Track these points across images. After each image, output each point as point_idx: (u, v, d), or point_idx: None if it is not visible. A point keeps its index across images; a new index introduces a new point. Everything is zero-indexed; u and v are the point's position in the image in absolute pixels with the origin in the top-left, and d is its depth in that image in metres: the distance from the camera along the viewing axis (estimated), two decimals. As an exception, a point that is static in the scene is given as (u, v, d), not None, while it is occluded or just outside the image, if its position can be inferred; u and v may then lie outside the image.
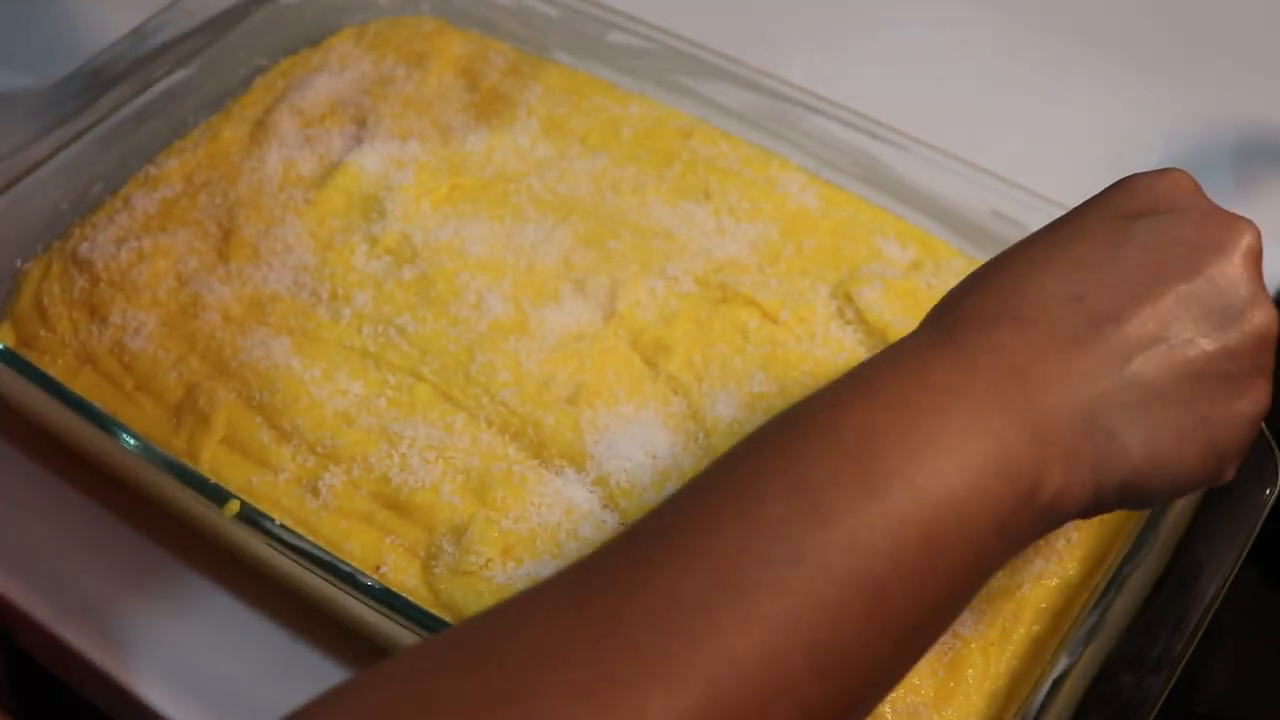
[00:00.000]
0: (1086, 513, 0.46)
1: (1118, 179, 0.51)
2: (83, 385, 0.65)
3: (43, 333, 0.68)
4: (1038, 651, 0.56)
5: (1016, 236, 0.68)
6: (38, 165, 0.70)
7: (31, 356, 0.66)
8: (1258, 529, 0.58)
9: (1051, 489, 0.44)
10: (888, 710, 0.54)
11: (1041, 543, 0.59)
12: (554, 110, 0.77)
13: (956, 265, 0.70)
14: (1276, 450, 0.60)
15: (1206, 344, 0.46)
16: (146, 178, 0.74)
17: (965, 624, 0.56)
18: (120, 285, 0.68)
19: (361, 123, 0.76)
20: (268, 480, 0.62)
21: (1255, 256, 0.48)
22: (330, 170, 0.74)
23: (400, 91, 0.78)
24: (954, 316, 0.47)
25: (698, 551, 0.39)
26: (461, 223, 0.71)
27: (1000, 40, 0.91)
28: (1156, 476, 0.46)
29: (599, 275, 0.69)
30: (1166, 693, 0.53)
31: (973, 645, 0.56)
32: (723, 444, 0.62)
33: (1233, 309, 0.47)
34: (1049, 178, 0.73)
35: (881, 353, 0.47)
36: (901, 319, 0.66)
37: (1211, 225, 0.48)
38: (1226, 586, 0.56)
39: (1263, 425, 0.60)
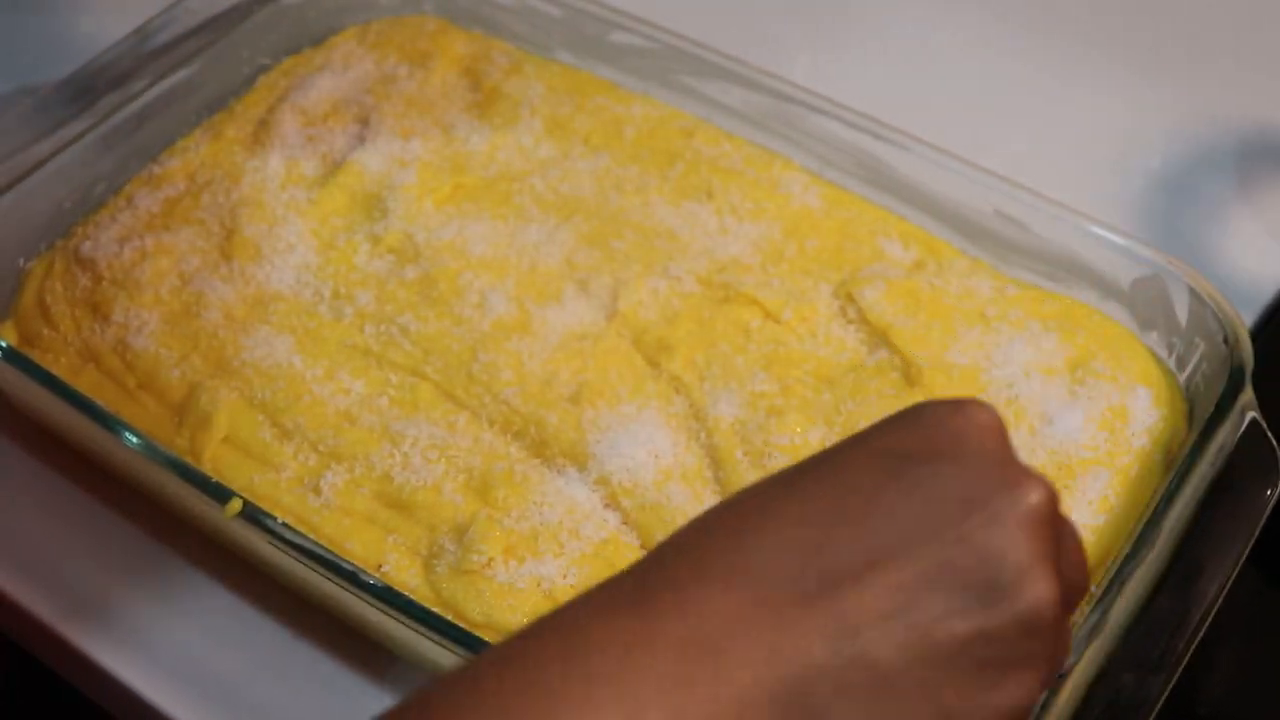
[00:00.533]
0: None
1: (909, 407, 0.43)
2: (85, 384, 0.65)
3: (46, 331, 0.68)
4: (1039, 651, 0.56)
5: (1019, 236, 0.69)
6: (41, 164, 0.70)
7: (35, 355, 0.66)
8: (1259, 529, 0.58)
9: None
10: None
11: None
12: (557, 110, 0.77)
13: (959, 265, 0.70)
14: (1278, 451, 0.59)
15: (959, 624, 0.38)
16: (149, 177, 0.74)
17: (966, 624, 0.56)
18: (123, 284, 0.68)
19: (364, 122, 0.76)
20: (270, 479, 0.62)
21: (1039, 523, 0.40)
22: (333, 169, 0.74)
23: (403, 91, 0.78)
24: (662, 563, 0.40)
25: None
26: (464, 222, 0.71)
27: (1003, 40, 0.91)
28: None
29: (602, 275, 0.69)
30: (1167, 693, 0.53)
31: (974, 645, 0.56)
32: (725, 443, 0.62)
33: (998, 585, 0.39)
34: (1052, 178, 0.73)
35: (562, 608, 0.40)
36: (904, 319, 0.66)
37: (993, 482, 0.40)
38: (1227, 587, 0.56)
39: (1264, 425, 0.60)
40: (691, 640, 0.37)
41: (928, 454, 0.41)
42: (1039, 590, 0.39)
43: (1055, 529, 0.41)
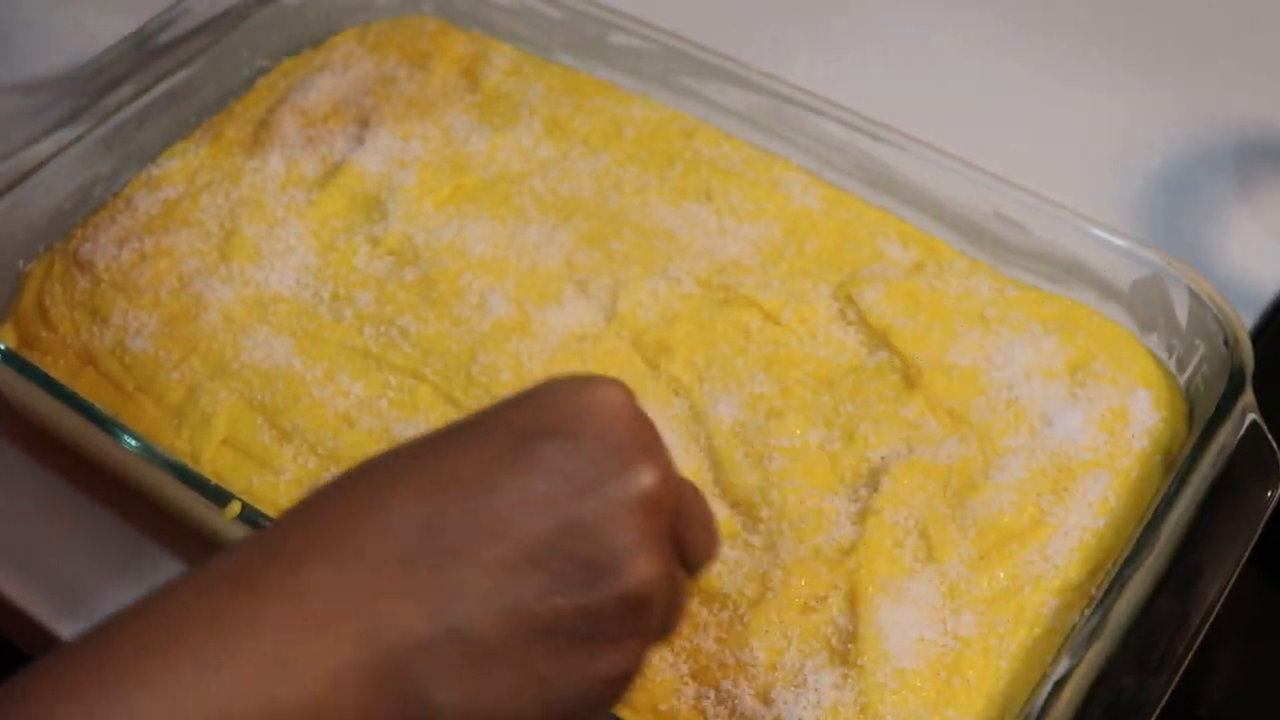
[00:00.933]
0: None
1: (568, 377, 0.45)
2: (84, 386, 0.65)
3: (45, 333, 0.68)
4: (1039, 653, 0.56)
5: (1018, 237, 0.69)
6: (40, 166, 0.70)
7: (34, 357, 0.66)
8: (1259, 531, 0.58)
9: None
10: (888, 712, 0.54)
11: (1041, 545, 0.59)
12: (556, 111, 0.77)
13: (959, 266, 0.70)
14: (1278, 453, 0.59)
15: (560, 600, 0.40)
16: (148, 178, 0.74)
17: (966, 626, 0.56)
18: (122, 286, 0.68)
19: (364, 123, 0.76)
20: (269, 481, 0.62)
21: (647, 506, 0.42)
22: (332, 170, 0.74)
23: (402, 92, 0.78)
24: (282, 536, 0.41)
25: None
26: (464, 223, 0.71)
27: (1002, 41, 0.91)
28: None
29: (601, 276, 0.69)
30: (1168, 695, 0.53)
31: (974, 647, 0.56)
32: (724, 445, 0.62)
33: (600, 565, 0.41)
34: (1051, 179, 0.73)
35: (178, 581, 0.40)
36: (903, 320, 0.66)
37: (607, 463, 0.42)
38: (1228, 589, 0.56)
39: (1264, 427, 0.60)
40: (295, 622, 0.38)
41: (548, 431, 0.42)
42: (642, 572, 0.41)
43: (670, 506, 0.43)
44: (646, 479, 0.42)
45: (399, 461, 0.42)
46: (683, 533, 0.44)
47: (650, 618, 0.42)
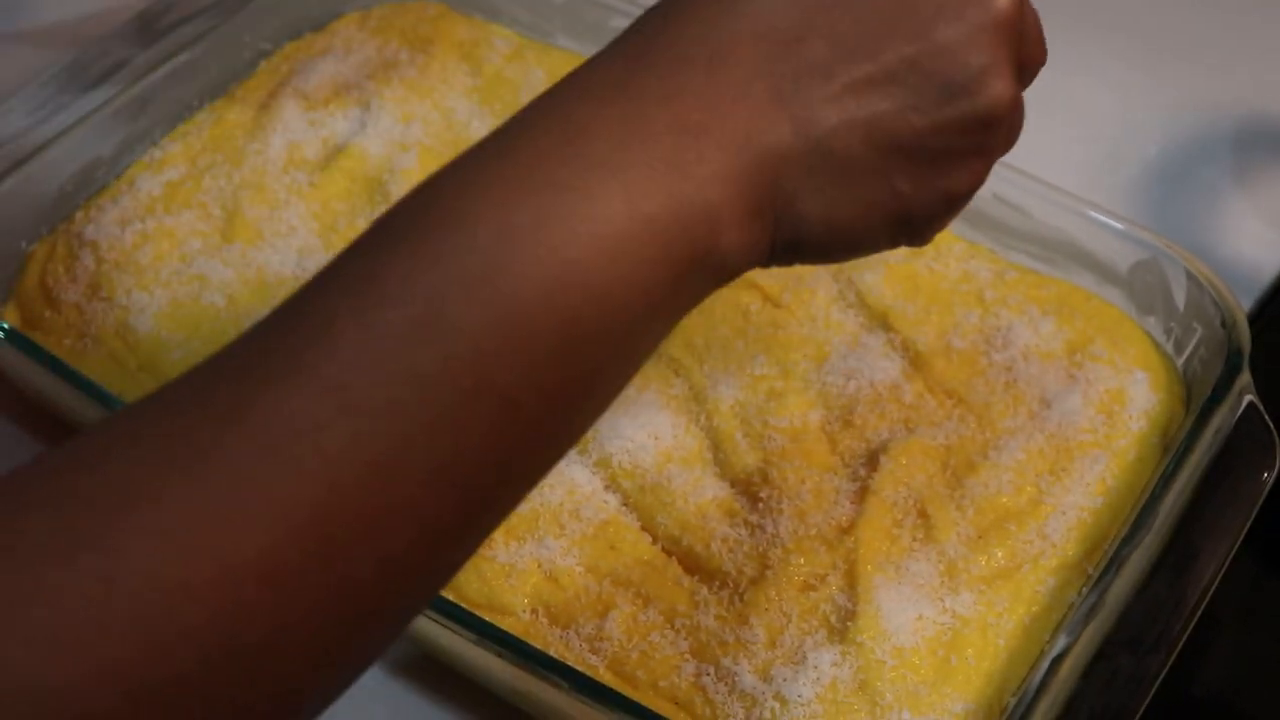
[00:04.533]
0: (761, 264, 0.44)
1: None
2: (88, 365, 0.65)
3: (48, 313, 0.68)
4: (1036, 632, 0.57)
5: (1016, 220, 0.69)
6: (43, 148, 0.71)
7: (37, 337, 0.67)
8: (1255, 512, 0.58)
9: (716, 257, 0.41)
10: (887, 689, 0.54)
11: (1040, 525, 0.59)
12: (557, 95, 0.77)
13: (958, 249, 0.70)
14: (1275, 434, 0.60)
15: (917, 119, 0.42)
16: (151, 161, 0.74)
17: (965, 605, 0.57)
18: (125, 267, 0.69)
19: (365, 106, 0.76)
20: (272, 460, 0.62)
21: (1002, 28, 0.43)
22: (334, 153, 0.74)
23: (404, 76, 0.78)
24: (644, 46, 0.42)
25: (308, 367, 0.35)
26: (464, 206, 0.72)
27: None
28: (834, 243, 0.44)
29: (601, 259, 0.69)
30: (1164, 673, 0.53)
31: (972, 625, 0.56)
32: (725, 425, 0.62)
33: (956, 84, 0.42)
34: (1050, 163, 0.73)
35: (550, 94, 0.41)
36: (902, 303, 0.67)
37: None
38: (1224, 569, 0.56)
39: (1261, 408, 0.60)
40: (677, 125, 0.40)
41: None
42: (996, 92, 0.42)
43: (1019, 28, 0.44)
44: (1003, 2, 0.43)
45: None
46: (1025, 50, 0.45)
47: (997, 136, 0.44)
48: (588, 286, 0.38)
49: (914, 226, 0.45)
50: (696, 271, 0.40)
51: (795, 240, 0.43)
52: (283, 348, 0.36)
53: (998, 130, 0.44)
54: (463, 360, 0.36)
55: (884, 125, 0.42)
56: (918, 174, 0.43)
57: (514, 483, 0.39)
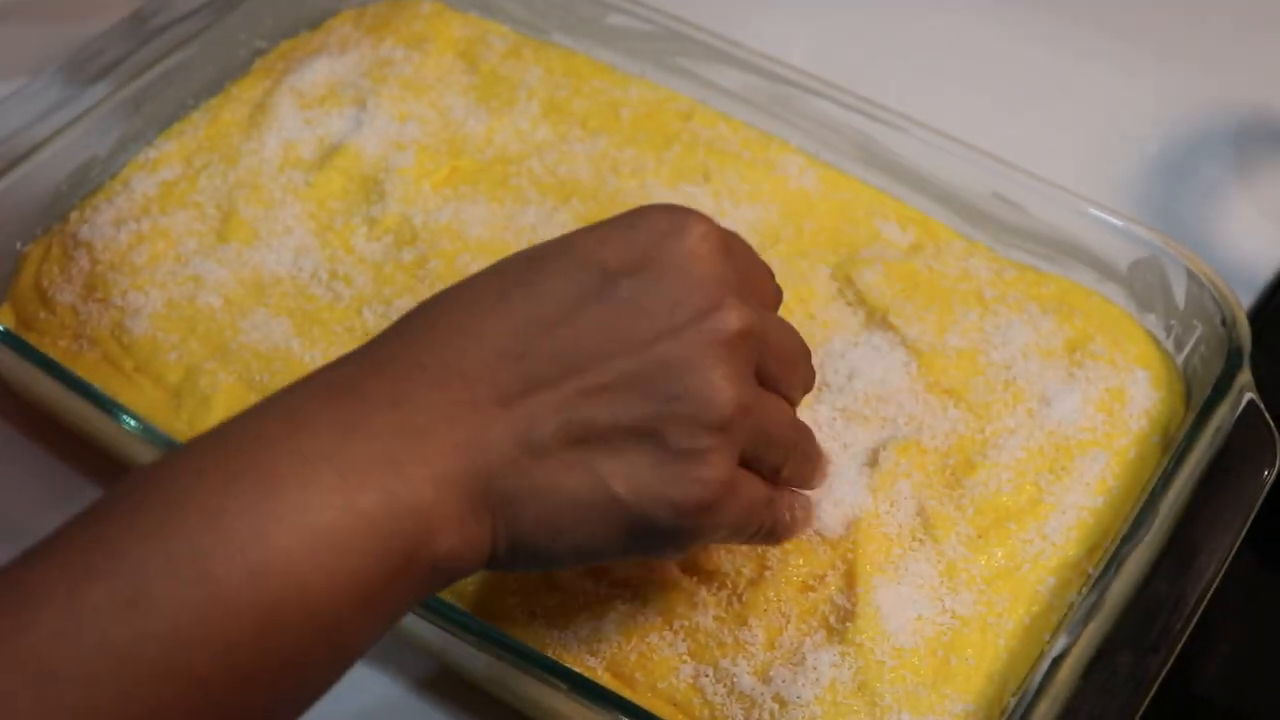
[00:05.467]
0: (485, 566, 0.45)
1: (639, 210, 0.48)
2: (83, 367, 0.65)
3: (43, 314, 0.68)
4: (1036, 632, 0.56)
5: (1016, 218, 0.69)
6: (37, 147, 0.70)
7: (31, 338, 0.66)
8: (1256, 510, 0.58)
9: (429, 554, 0.42)
10: (886, 690, 0.54)
11: (1039, 524, 0.59)
12: (554, 93, 0.77)
13: (957, 247, 0.70)
14: (1276, 432, 0.60)
15: (628, 421, 0.44)
16: (146, 160, 0.74)
17: (965, 605, 0.57)
18: (120, 267, 0.68)
19: (361, 105, 0.76)
20: (268, 461, 0.62)
21: (728, 343, 0.45)
22: (330, 152, 0.74)
23: (400, 74, 0.78)
24: (379, 356, 0.45)
25: (5, 636, 0.36)
26: (461, 205, 0.71)
27: (1001, 22, 0.91)
28: (556, 546, 0.45)
29: (599, 257, 0.69)
30: (1164, 673, 0.53)
31: (971, 626, 0.56)
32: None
33: (672, 394, 0.44)
34: (1049, 160, 0.73)
35: (285, 390, 0.44)
36: (901, 301, 0.66)
37: (690, 299, 0.45)
38: (1225, 568, 0.56)
39: (1261, 406, 0.60)
40: (400, 427, 0.42)
41: (632, 267, 0.45)
42: (714, 396, 0.44)
43: (751, 345, 0.46)
44: (729, 316, 0.45)
45: (491, 289, 0.46)
46: (769, 366, 0.47)
47: (729, 437, 0.45)
48: (290, 574, 0.39)
49: (647, 538, 0.46)
50: (411, 567, 0.42)
51: (516, 542, 0.44)
52: None
53: (725, 430, 0.45)
54: (158, 638, 0.37)
55: (595, 427, 0.44)
56: (632, 476, 0.44)
57: None
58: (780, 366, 0.48)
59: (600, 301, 0.45)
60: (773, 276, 0.52)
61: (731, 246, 0.48)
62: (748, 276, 0.48)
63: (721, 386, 0.45)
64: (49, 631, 0.36)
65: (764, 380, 0.48)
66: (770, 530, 0.51)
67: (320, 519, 0.40)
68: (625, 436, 0.44)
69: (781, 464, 0.50)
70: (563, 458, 0.44)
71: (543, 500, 0.44)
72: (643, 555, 0.48)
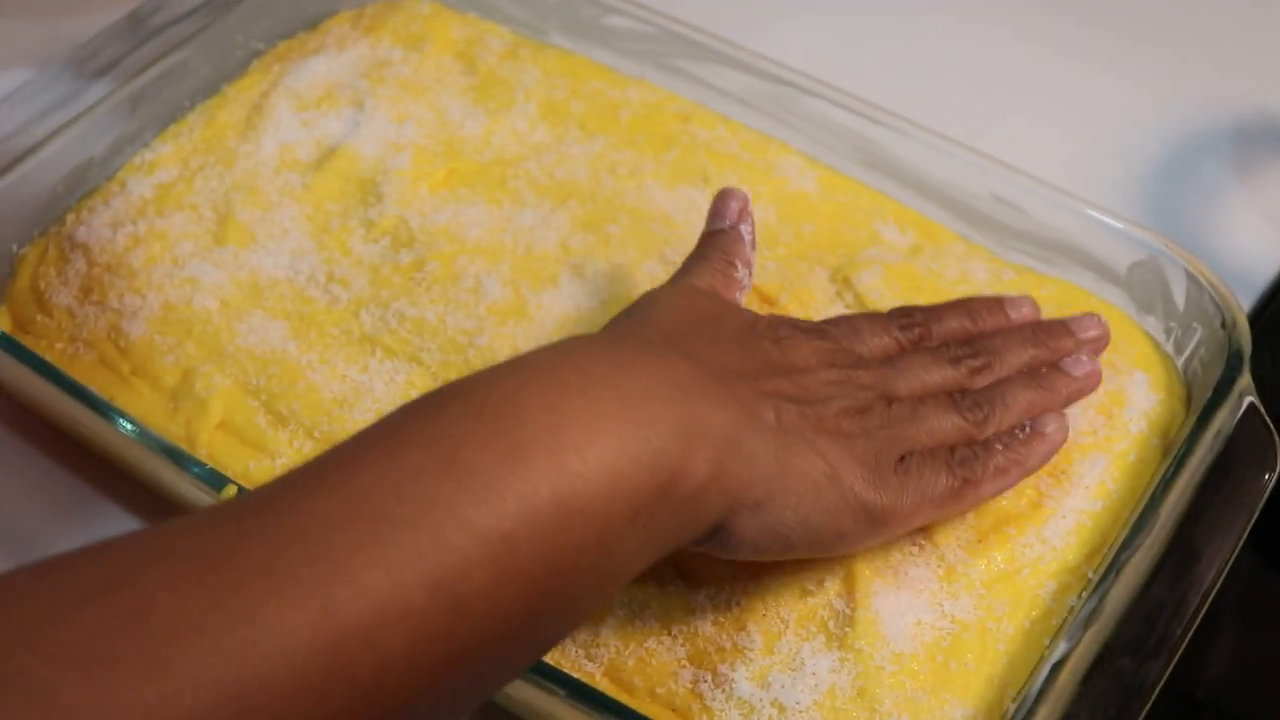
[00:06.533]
0: (729, 531, 0.49)
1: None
2: (79, 370, 0.65)
3: (39, 317, 0.67)
4: (1036, 637, 0.56)
5: (1015, 220, 0.69)
6: (34, 149, 0.70)
7: (28, 341, 0.66)
8: (1256, 514, 0.58)
9: (689, 485, 0.46)
10: (885, 696, 0.54)
11: (1039, 528, 0.59)
12: (552, 94, 0.77)
13: (956, 249, 0.70)
14: (1276, 435, 0.59)
15: (844, 413, 0.54)
16: (142, 162, 0.74)
17: (964, 610, 0.56)
18: (116, 269, 0.68)
19: (358, 106, 0.76)
20: (265, 465, 0.62)
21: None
22: (327, 154, 0.74)
23: (397, 75, 0.78)
24: (624, 342, 0.51)
25: (336, 481, 0.41)
26: (459, 207, 0.71)
27: (1000, 24, 0.91)
28: (787, 511, 0.50)
29: (597, 260, 0.69)
30: (1165, 678, 0.53)
31: (971, 631, 0.56)
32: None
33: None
34: (1049, 162, 0.73)
35: (547, 345, 0.48)
36: (901, 303, 0.66)
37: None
38: (1225, 572, 0.56)
39: (1261, 409, 0.60)
40: (660, 376, 0.48)
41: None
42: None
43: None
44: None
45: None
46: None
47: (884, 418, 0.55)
48: (582, 477, 0.43)
49: (868, 516, 0.52)
50: (674, 490, 0.46)
51: (753, 497, 0.49)
52: (318, 474, 0.42)
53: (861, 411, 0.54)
54: (472, 499, 0.41)
55: (823, 416, 0.53)
56: (845, 463, 0.52)
57: (508, 631, 0.43)
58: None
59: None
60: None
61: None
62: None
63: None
64: (371, 481, 0.41)
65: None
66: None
67: (604, 426, 0.44)
68: (842, 423, 0.53)
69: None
70: (796, 436, 0.51)
71: (782, 470, 0.50)
72: (857, 545, 0.54)
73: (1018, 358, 0.60)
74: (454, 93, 0.77)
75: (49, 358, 0.63)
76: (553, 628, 0.46)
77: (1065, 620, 0.56)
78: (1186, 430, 0.60)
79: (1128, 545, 0.57)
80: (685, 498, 0.46)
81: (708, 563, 0.57)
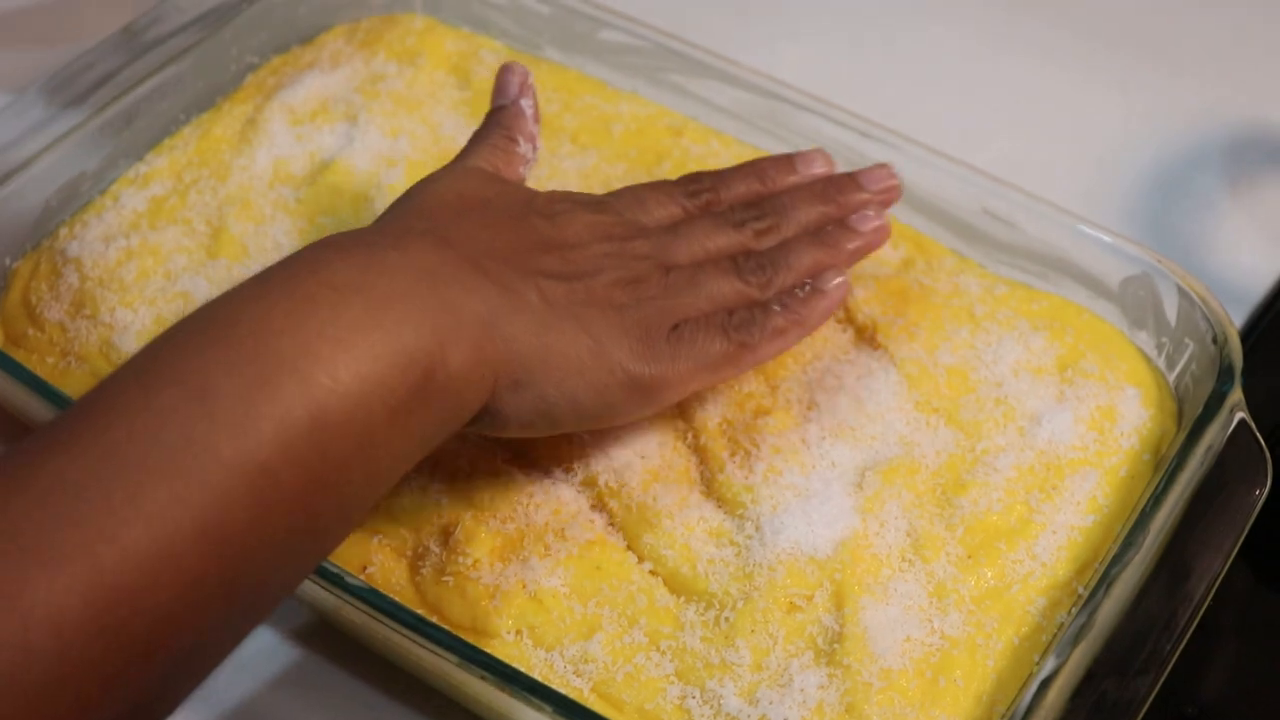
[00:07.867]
0: (494, 411, 0.51)
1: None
2: (71, 384, 0.65)
3: (31, 331, 0.67)
4: (1025, 653, 0.56)
5: (1007, 234, 0.69)
6: (27, 163, 0.70)
7: (20, 355, 0.66)
8: (1246, 530, 0.57)
9: (445, 377, 0.47)
10: (874, 712, 0.54)
11: (1030, 544, 0.59)
12: (545, 108, 0.77)
13: (948, 264, 0.70)
14: (1266, 452, 0.59)
15: (614, 285, 0.55)
16: (136, 176, 0.74)
17: (953, 626, 0.56)
18: (109, 284, 0.68)
19: (352, 120, 0.76)
20: (255, 480, 0.62)
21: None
22: (321, 168, 0.74)
23: (391, 89, 0.78)
24: (378, 228, 0.53)
25: (89, 438, 0.41)
26: (451, 221, 0.71)
27: (990, 37, 0.91)
28: (549, 388, 0.51)
29: (589, 274, 0.69)
30: (1154, 694, 0.53)
31: (960, 647, 0.56)
32: (712, 444, 0.62)
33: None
34: (1041, 176, 0.73)
35: (297, 253, 0.50)
36: (893, 317, 0.66)
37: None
38: (1215, 587, 0.56)
39: (1252, 425, 0.60)
40: (412, 266, 0.49)
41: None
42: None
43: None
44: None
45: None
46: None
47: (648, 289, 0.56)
48: (333, 380, 0.44)
49: (628, 381, 0.53)
50: (430, 385, 0.47)
51: (513, 376, 0.51)
52: (68, 426, 0.42)
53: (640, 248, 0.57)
54: (226, 433, 0.42)
55: (584, 289, 0.54)
56: (606, 327, 0.53)
57: (279, 559, 0.44)
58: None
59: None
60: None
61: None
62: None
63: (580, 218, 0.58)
64: (125, 433, 0.41)
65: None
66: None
67: (351, 337, 0.45)
68: (605, 295, 0.54)
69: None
70: (558, 312, 0.52)
71: (541, 345, 0.51)
72: (621, 417, 0.55)
73: (806, 216, 0.60)
74: (448, 107, 0.78)
75: (40, 372, 0.64)
76: (326, 537, 0.47)
77: (1055, 636, 0.56)
78: (1177, 446, 0.60)
79: (1118, 561, 0.56)
80: (443, 390, 0.47)
81: (697, 578, 0.57)
